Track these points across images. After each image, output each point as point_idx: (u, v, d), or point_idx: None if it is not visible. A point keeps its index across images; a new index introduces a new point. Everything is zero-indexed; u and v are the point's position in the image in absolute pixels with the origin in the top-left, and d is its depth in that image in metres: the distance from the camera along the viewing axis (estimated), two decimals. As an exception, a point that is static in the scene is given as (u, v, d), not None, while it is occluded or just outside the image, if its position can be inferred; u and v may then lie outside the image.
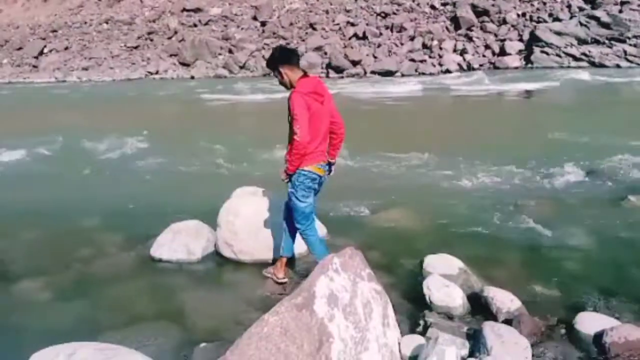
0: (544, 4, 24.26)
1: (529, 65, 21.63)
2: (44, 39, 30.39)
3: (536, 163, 7.05)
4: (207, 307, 3.74)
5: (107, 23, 30.28)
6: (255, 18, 28.19)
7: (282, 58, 3.68)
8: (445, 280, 3.57)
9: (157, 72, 25.64)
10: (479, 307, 3.42)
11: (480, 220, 5.11)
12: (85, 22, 30.81)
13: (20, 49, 29.91)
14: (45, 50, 29.29)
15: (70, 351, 2.62)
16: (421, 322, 3.26)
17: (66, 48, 29.06)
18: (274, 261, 4.14)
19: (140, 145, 9.44)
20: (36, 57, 29.10)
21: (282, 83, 3.72)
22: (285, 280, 4.01)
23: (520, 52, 22.48)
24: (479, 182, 6.49)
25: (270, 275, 4.08)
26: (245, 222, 4.28)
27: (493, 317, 3.27)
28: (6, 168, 8.60)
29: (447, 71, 21.88)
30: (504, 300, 3.35)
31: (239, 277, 4.19)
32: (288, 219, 3.92)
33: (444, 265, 3.89)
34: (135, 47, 27.84)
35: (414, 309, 3.45)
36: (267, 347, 2.29)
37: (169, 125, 12.45)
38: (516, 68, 21.50)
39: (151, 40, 28.06)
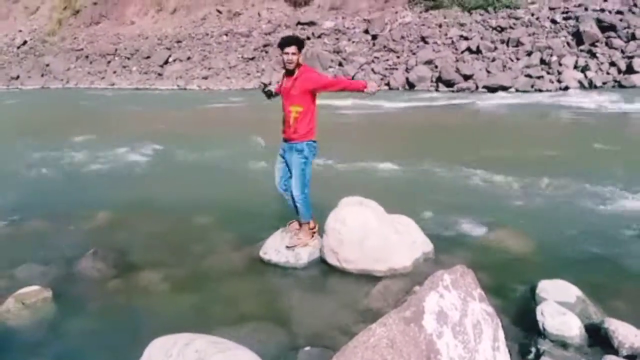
0: (682, 18, 22.19)
1: (661, 84, 19.83)
2: (169, 49, 32.73)
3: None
4: (311, 312, 3.81)
5: (226, 35, 32.04)
6: (367, 31, 28.42)
7: (302, 43, 4.44)
8: (561, 308, 3.36)
9: (270, 83, 26.63)
10: (598, 339, 3.18)
11: (600, 246, 4.75)
12: (207, 34, 32.80)
13: (148, 57, 32.47)
14: (170, 60, 31.55)
15: (186, 341, 2.79)
16: (533, 349, 3.10)
17: (188, 58, 31.13)
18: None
19: (252, 150, 9.85)
20: (161, 66, 31.41)
21: (289, 61, 4.30)
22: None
23: (650, 69, 20.67)
24: (598, 204, 6.03)
25: (299, 242, 4.66)
26: (352, 231, 4.32)
27: (614, 352, 3.03)
28: (129, 165, 9.35)
29: (566, 88, 20.62)
30: (627, 334, 3.09)
31: (343, 285, 4.23)
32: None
33: (560, 291, 3.66)
34: (251, 59, 29.18)
35: (525, 335, 3.28)
36: (373, 358, 2.30)
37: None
38: (645, 87, 19.81)
39: (266, 52, 29.25)
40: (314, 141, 4.53)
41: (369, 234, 4.25)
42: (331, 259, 4.45)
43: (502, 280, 4.09)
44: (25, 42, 38.91)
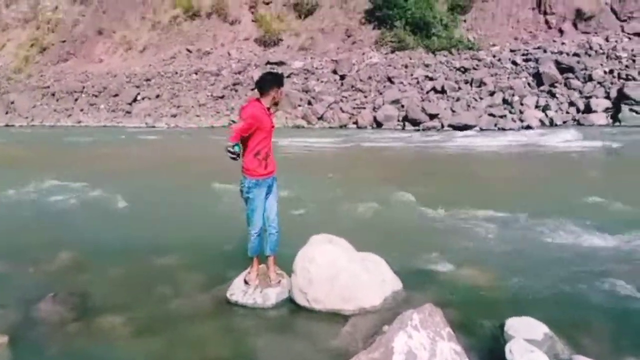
0: (633, 61, 23.33)
1: (616, 123, 20.66)
2: (138, 87, 32.63)
3: (632, 223, 6.57)
4: (279, 354, 3.73)
5: (196, 74, 32.17)
6: (335, 71, 28.96)
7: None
8: (529, 345, 3.36)
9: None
10: (567, 377, 3.19)
11: (567, 282, 4.81)
12: (177, 73, 32.88)
13: (116, 95, 32.27)
14: (139, 98, 31.42)
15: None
16: (502, 389, 3.08)
17: (157, 96, 31.06)
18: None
19: (216, 188, 9.73)
20: (130, 104, 31.24)
21: (277, 103, 4.49)
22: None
23: (607, 109, 21.53)
24: (565, 241, 6.13)
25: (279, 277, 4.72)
26: (321, 270, 4.28)
27: (582, 390, 3.02)
28: (91, 205, 9.08)
29: (528, 127, 21.28)
30: (595, 372, 3.11)
31: (312, 325, 4.16)
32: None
33: (528, 329, 3.67)
34: (221, 97, 29.29)
35: (494, 374, 3.27)
36: (343, 401, 2.24)
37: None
38: (601, 126, 20.61)
39: (236, 90, 29.44)
40: None
41: (339, 273, 4.22)
42: (300, 299, 4.38)
43: (470, 317, 4.08)
44: (-11, 79, 38.29)
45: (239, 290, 4.64)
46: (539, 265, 5.33)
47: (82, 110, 32.08)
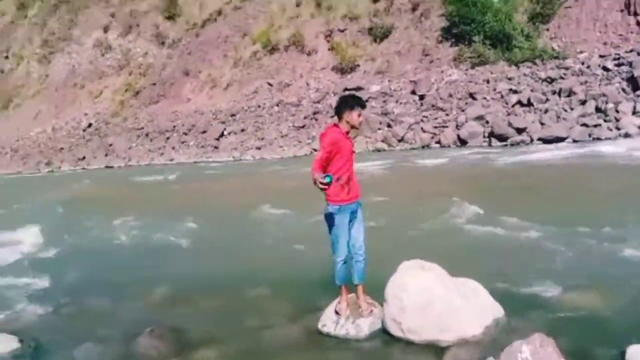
0: None
1: None
2: (223, 122, 33.98)
3: None
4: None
5: (277, 106, 33.05)
6: (413, 92, 28.63)
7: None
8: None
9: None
10: None
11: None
12: (259, 106, 33.94)
13: (204, 132, 33.75)
14: (225, 133, 32.67)
15: None
16: None
17: (242, 130, 32.14)
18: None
19: (301, 217, 9.72)
20: (217, 139, 32.52)
21: (361, 122, 4.41)
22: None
23: None
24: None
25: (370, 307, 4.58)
26: (414, 298, 4.08)
27: None
28: (183, 240, 9.36)
29: (627, 135, 19.80)
30: None
31: (407, 357, 3.96)
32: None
33: (654, 359, 3.27)
34: (302, 127, 29.81)
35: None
36: None
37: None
38: None
39: (316, 119, 29.86)
40: None
41: (433, 300, 4.00)
42: (393, 329, 4.19)
43: (585, 347, 3.71)
44: (90, 125, 41.40)
45: (330, 321, 4.53)
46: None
47: (173, 148, 33.76)
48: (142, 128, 37.65)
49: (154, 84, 41.60)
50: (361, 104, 4.46)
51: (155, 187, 20.53)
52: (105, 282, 6.94)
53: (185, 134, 34.59)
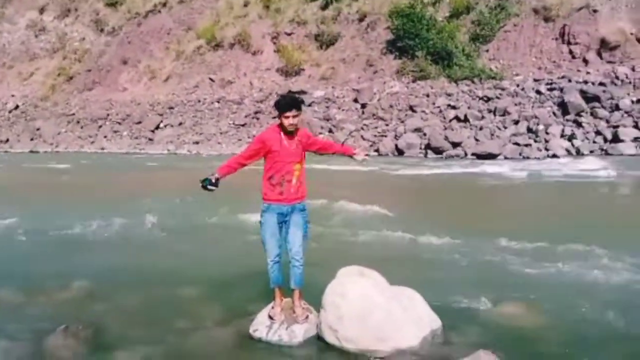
0: (662, 90, 22.86)
1: (647, 153, 20.10)
2: (161, 114, 33.00)
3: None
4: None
5: (218, 102, 32.44)
6: (356, 100, 28.93)
7: (301, 104, 4.36)
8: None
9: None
10: None
11: (618, 321, 4.40)
12: (199, 101, 33.19)
13: (139, 123, 32.64)
14: (161, 125, 31.71)
15: None
16: None
17: (180, 123, 31.34)
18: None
19: (238, 216, 9.42)
20: (152, 131, 31.55)
21: (292, 125, 4.21)
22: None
23: (635, 139, 21.01)
24: (611, 275, 5.71)
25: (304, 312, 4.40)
26: (353, 306, 3.95)
27: None
28: (111, 231, 8.81)
29: (554, 156, 20.83)
30: None
31: (342, 366, 3.81)
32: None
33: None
34: (243, 125, 29.44)
35: None
36: None
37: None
38: (631, 155, 20.06)
39: (257, 119, 29.57)
40: None
41: (373, 310, 3.88)
42: (329, 336, 4.05)
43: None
44: (17, 107, 39.06)
45: (262, 326, 4.33)
46: (585, 301, 4.91)
47: (105, 137, 32.46)
48: (74, 114, 35.98)
49: (89, 71, 39.85)
50: (289, 106, 4.23)
51: (89, 173, 19.49)
52: (14, 274, 6.32)
53: (119, 124, 33.35)
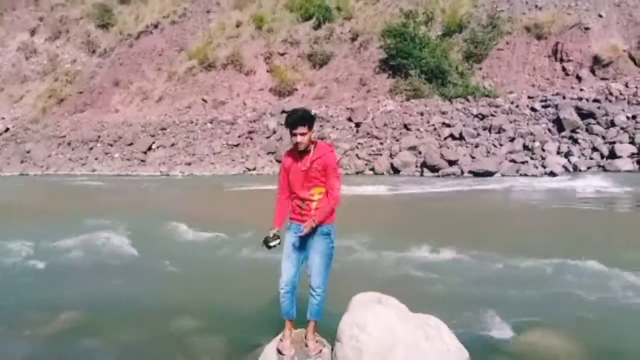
0: (656, 105, 22.88)
1: (643, 169, 19.99)
2: (153, 135, 32.67)
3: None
4: None
5: (211, 123, 32.18)
6: (350, 119, 28.78)
7: (313, 119, 3.96)
8: None
9: (254, 169, 26.53)
10: None
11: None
12: (192, 122, 32.93)
13: (131, 144, 32.27)
14: (154, 146, 31.36)
15: None
16: None
17: (172, 144, 31.00)
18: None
19: (240, 240, 9.05)
20: (144, 152, 31.18)
21: (300, 143, 3.87)
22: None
23: (632, 155, 20.93)
24: (633, 295, 5.41)
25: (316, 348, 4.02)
26: (375, 340, 3.61)
27: None
28: (102, 257, 8.37)
29: (552, 173, 20.68)
30: None
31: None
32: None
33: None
34: (236, 145, 29.14)
35: None
36: None
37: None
38: (628, 172, 19.94)
39: (251, 139, 29.31)
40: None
41: (396, 344, 3.54)
42: (346, 372, 3.70)
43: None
44: (7, 129, 38.61)
45: (272, 361, 3.98)
46: (618, 325, 4.61)
47: (96, 159, 32.04)
48: (65, 136, 35.57)
49: (81, 92, 39.58)
50: (295, 122, 3.89)
51: (75, 196, 19.04)
52: (1, 304, 5.90)
53: (111, 145, 32.96)
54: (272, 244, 3.92)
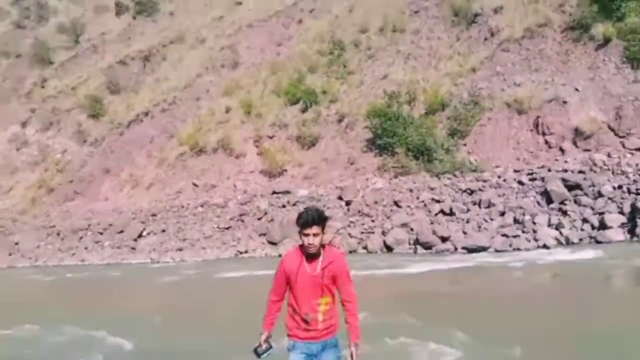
0: (640, 174, 23.30)
1: (635, 238, 20.02)
2: (143, 222, 32.55)
3: None
4: None
5: (202, 206, 32.21)
6: (340, 198, 28.99)
7: (327, 219, 3.66)
8: None
9: (246, 252, 26.26)
10: None
11: None
12: (183, 206, 32.95)
13: (121, 232, 32.03)
14: (144, 233, 31.14)
15: None
16: None
17: (163, 230, 30.82)
18: None
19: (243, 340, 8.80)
20: (135, 240, 30.89)
21: (311, 245, 3.54)
22: None
23: (623, 225, 21.03)
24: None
25: None
26: None
27: None
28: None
29: (545, 246, 20.64)
30: None
31: None
32: None
33: None
34: (227, 228, 29.03)
35: None
36: None
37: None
38: (620, 242, 19.95)
39: (242, 221, 29.25)
40: None
41: None
42: None
43: None
44: (-6, 223, 38.34)
45: None
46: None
47: (86, 248, 31.65)
48: (54, 226, 35.28)
49: (71, 181, 39.77)
50: (307, 222, 3.61)
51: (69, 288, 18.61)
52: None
53: (101, 234, 32.68)
54: (262, 355, 3.62)
